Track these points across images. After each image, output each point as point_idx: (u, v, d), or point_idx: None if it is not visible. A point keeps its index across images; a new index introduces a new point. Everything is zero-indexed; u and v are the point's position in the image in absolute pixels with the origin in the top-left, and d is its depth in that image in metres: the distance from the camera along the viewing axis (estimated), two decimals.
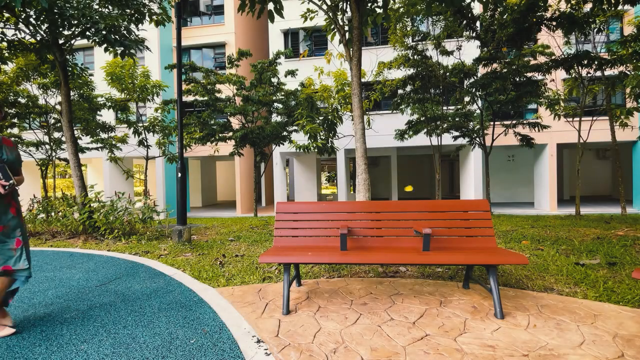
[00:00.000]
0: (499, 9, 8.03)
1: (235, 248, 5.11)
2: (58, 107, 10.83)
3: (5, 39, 6.39)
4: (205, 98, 12.05)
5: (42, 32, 6.33)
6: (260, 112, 12.56)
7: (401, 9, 7.18)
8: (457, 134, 10.73)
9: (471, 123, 11.26)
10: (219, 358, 1.89)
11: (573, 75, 8.88)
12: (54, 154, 12.05)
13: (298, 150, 10.98)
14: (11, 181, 2.17)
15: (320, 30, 9.19)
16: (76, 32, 6.43)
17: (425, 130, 10.85)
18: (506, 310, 2.45)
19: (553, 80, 10.48)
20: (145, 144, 12.09)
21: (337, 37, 5.44)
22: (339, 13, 5.03)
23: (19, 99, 10.70)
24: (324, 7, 5.00)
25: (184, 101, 13.95)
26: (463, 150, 15.06)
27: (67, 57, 6.99)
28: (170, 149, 12.44)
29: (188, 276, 3.57)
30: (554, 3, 7.06)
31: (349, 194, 17.37)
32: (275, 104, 12.58)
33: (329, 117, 10.31)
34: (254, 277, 3.45)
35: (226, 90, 13.81)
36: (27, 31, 6.37)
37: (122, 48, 6.20)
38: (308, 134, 9.63)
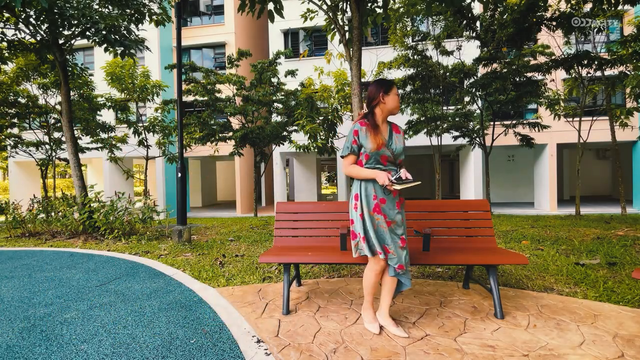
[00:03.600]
0: (499, 9, 8.03)
1: (235, 248, 5.11)
2: (58, 107, 10.81)
3: (5, 39, 6.40)
4: (205, 98, 12.04)
5: (42, 32, 6.34)
6: (260, 112, 12.56)
7: (401, 9, 7.18)
8: (457, 134, 10.72)
9: (471, 123, 11.26)
10: (219, 358, 1.89)
11: (573, 75, 8.88)
12: (54, 154, 12.05)
13: (298, 150, 10.97)
14: (398, 177, 1.96)
15: (320, 30, 9.20)
16: (76, 32, 6.44)
17: (425, 130, 10.84)
18: (506, 310, 2.45)
19: (553, 80, 10.48)
20: (145, 144, 12.09)
21: (337, 37, 5.44)
22: (339, 13, 5.03)
23: (19, 99, 10.70)
24: (324, 7, 5.00)
25: (184, 101, 13.95)
26: (463, 150, 15.05)
27: (67, 57, 6.99)
28: (170, 149, 12.43)
29: (188, 276, 3.57)
30: (554, 3, 7.07)
31: (349, 194, 17.33)
32: (275, 104, 12.57)
33: (329, 117, 10.30)
34: (254, 277, 3.45)
35: (226, 90, 13.80)
36: (27, 31, 6.37)
37: (122, 48, 6.21)
38: (308, 134, 9.63)
